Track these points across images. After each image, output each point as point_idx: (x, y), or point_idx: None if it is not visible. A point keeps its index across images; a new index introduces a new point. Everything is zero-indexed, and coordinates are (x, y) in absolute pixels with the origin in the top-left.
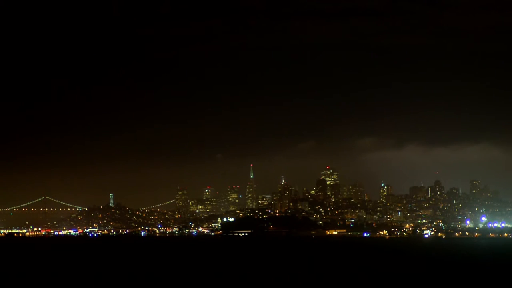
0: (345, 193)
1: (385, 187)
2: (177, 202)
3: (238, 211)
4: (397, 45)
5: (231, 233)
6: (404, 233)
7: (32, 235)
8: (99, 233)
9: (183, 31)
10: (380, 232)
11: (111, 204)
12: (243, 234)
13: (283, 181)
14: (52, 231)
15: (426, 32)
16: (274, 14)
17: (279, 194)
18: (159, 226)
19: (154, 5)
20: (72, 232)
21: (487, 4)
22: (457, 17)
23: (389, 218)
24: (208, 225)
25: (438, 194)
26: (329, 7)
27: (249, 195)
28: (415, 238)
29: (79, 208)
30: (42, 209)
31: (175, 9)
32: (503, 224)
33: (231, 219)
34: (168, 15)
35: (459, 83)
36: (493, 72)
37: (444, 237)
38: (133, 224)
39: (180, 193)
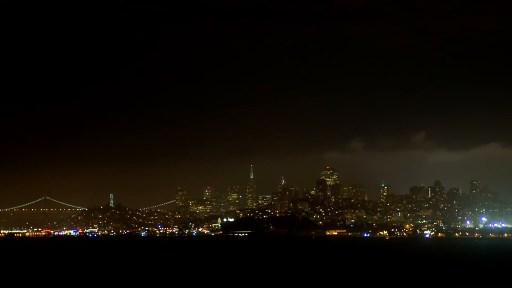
0: (345, 193)
1: (385, 187)
2: (177, 202)
3: (238, 211)
4: (375, 46)
5: (231, 233)
6: (404, 234)
7: (32, 235)
8: (99, 234)
9: (181, 31)
10: (380, 233)
11: (111, 204)
12: (243, 234)
13: (283, 181)
14: (52, 231)
15: (401, 34)
16: (252, 17)
17: (279, 194)
18: (159, 226)
19: (153, 5)
20: (72, 232)
21: (460, 7)
22: (431, 21)
23: (389, 218)
24: (208, 225)
25: (438, 195)
26: (303, 10)
27: (249, 195)
28: (415, 238)
29: (79, 208)
30: (42, 209)
31: (172, 9)
32: (503, 225)
33: (231, 219)
34: (167, 16)
35: (453, 84)
36: (480, 74)
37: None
38: (133, 224)
39: (180, 193)
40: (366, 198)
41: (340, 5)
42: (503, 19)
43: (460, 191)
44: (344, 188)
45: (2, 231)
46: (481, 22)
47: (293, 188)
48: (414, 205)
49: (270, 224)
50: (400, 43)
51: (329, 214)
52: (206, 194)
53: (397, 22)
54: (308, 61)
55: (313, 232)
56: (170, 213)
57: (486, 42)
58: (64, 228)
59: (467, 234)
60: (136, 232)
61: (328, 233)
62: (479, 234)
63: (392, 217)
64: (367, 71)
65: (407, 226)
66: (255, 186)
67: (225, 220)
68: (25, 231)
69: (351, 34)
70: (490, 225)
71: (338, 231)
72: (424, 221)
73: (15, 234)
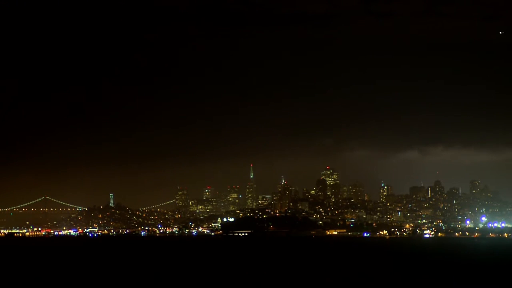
0: (345, 193)
1: (385, 187)
2: (177, 202)
3: (238, 211)
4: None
5: (231, 233)
6: (404, 233)
7: (32, 235)
8: (99, 233)
9: (180, 32)
10: (380, 232)
11: (111, 204)
12: (243, 234)
13: (283, 181)
14: (52, 231)
15: (364, 38)
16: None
17: (279, 194)
18: (159, 226)
19: (151, 6)
20: (72, 232)
21: (421, 11)
22: (392, 24)
23: (389, 218)
24: (208, 225)
25: (438, 194)
26: (268, 14)
27: (249, 195)
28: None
29: (79, 208)
30: (42, 209)
31: (170, 10)
32: (503, 224)
33: (231, 219)
34: (166, 17)
35: (452, 86)
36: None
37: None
38: (133, 224)
39: (180, 193)
40: (366, 198)
41: (302, 9)
42: (464, 22)
43: (460, 191)
44: (344, 188)
45: (2, 231)
46: (442, 25)
47: (293, 188)
48: (414, 205)
49: (270, 224)
50: (371, 44)
51: (329, 214)
52: (206, 194)
53: (358, 25)
54: (305, 61)
55: (313, 232)
56: (170, 213)
57: (448, 45)
58: (64, 228)
59: (467, 234)
60: (136, 232)
61: (328, 233)
62: (479, 234)
63: (392, 217)
64: (366, 71)
65: (407, 226)
66: (255, 186)
67: (225, 220)
68: (25, 231)
69: (313, 37)
70: (490, 225)
71: (338, 231)
72: (424, 221)
73: (15, 234)
